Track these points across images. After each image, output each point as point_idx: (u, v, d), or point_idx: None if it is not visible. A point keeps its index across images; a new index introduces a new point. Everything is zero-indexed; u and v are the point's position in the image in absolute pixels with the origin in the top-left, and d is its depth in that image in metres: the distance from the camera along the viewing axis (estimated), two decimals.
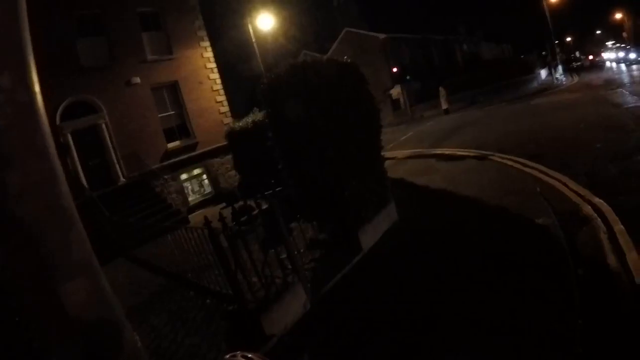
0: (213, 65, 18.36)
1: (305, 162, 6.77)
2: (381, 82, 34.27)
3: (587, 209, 6.34)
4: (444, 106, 28.39)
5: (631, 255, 4.73)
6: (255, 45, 20.68)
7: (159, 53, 16.91)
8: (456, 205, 7.85)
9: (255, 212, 5.31)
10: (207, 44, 18.40)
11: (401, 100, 30.52)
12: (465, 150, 12.57)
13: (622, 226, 5.50)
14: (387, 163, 8.77)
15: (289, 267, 5.38)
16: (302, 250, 6.60)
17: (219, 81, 18.44)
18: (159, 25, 17.20)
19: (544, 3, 40.75)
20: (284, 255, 5.41)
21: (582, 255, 5.03)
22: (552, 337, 3.67)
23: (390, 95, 31.79)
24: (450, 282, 5.05)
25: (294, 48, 41.46)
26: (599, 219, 5.92)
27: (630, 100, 16.62)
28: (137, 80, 15.89)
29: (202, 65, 18.05)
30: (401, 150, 15.16)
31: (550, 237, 5.59)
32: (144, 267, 9.75)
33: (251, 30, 20.84)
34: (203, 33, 18.40)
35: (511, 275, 4.80)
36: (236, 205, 5.80)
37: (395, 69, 38.21)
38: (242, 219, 5.06)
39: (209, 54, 18.34)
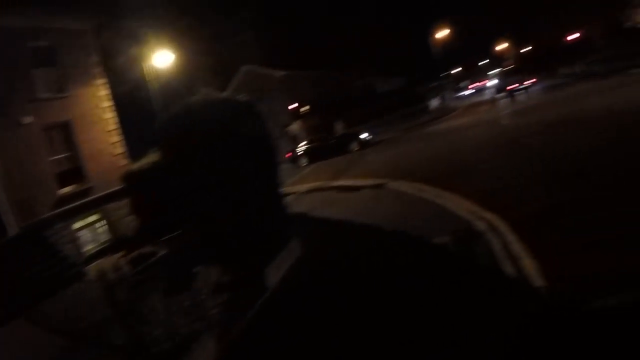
0: (109, 103, 17.63)
1: (205, 203, 6.69)
2: (280, 118, 34.72)
3: (481, 224, 6.95)
4: None
5: (525, 262, 5.27)
6: (150, 83, 20.16)
7: (53, 90, 15.93)
8: (358, 235, 8.15)
9: (156, 258, 5.18)
10: (103, 81, 17.64)
11: (300, 136, 31.03)
12: (365, 180, 13.07)
13: (514, 236, 6.12)
14: (288, 198, 8.91)
15: (195, 314, 5.24)
16: (207, 295, 6.47)
17: (114, 121, 17.70)
18: (53, 61, 16.26)
19: (432, 38, 43.76)
20: (188, 302, 5.27)
21: (479, 266, 5.52)
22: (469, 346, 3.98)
23: (290, 131, 32.25)
24: (355, 316, 5.14)
25: (193, 84, 40.87)
26: (492, 232, 6.52)
27: (513, 121, 18.35)
28: (29, 120, 14.84)
29: (97, 104, 17.25)
30: (302, 184, 15.39)
31: (449, 253, 6.07)
32: (43, 328, 8.99)
33: (145, 68, 20.31)
34: (99, 70, 17.66)
35: (415, 296, 5.08)
36: (136, 253, 5.62)
37: (294, 105, 38.89)
38: (142, 266, 4.91)
39: (105, 92, 17.60)
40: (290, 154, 26.97)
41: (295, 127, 31.53)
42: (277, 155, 7.91)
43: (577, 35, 44.53)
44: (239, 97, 7.59)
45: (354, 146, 24.75)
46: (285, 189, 8.40)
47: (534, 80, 36.87)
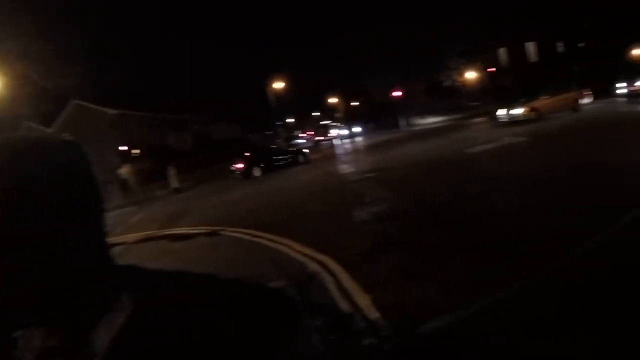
0: None
1: (20, 257, 5.84)
2: (110, 160, 32.68)
3: (314, 265, 7.15)
4: (175, 185, 28.40)
5: (360, 297, 5.51)
6: None
7: None
8: (192, 285, 7.72)
9: None
10: None
11: (131, 180, 29.39)
12: (197, 228, 12.67)
13: (347, 274, 6.39)
14: (117, 249, 8.22)
15: None
16: None
17: None
18: None
19: (268, 89, 45.09)
20: None
21: (316, 307, 5.54)
22: None
23: (119, 175, 30.34)
24: None
25: (15, 118, 36.58)
26: (325, 272, 6.71)
27: (343, 168, 19.71)
28: None
29: None
30: (132, 233, 14.43)
31: (285, 297, 6.02)
32: None
33: None
34: None
35: (254, 343, 4.88)
36: None
37: (125, 147, 37.00)
38: None
39: None
40: (243, 166, 26.77)
41: (125, 170, 29.80)
42: (102, 202, 7.27)
43: (399, 92, 49.30)
44: (62, 136, 6.87)
45: (301, 159, 28.62)
46: (112, 239, 7.75)
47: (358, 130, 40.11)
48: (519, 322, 4.20)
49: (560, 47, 50.38)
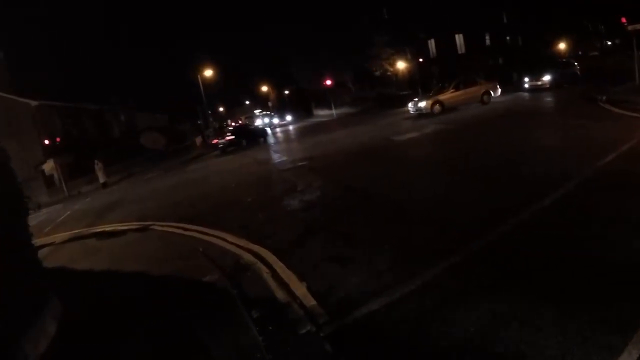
0: None
1: None
2: (32, 155, 30.87)
3: (248, 257, 7.19)
4: (102, 180, 27.28)
5: (297, 286, 5.64)
6: None
7: None
8: (124, 283, 7.52)
9: None
10: None
11: (55, 175, 27.89)
12: (127, 224, 12.30)
13: (282, 264, 6.50)
14: (43, 251, 7.88)
15: None
16: None
17: None
18: None
19: (199, 77, 43.97)
20: None
21: (253, 299, 5.60)
22: None
23: (42, 171, 28.67)
24: None
25: None
26: (259, 263, 6.78)
27: (275, 157, 19.70)
28: None
29: None
30: (59, 233, 13.77)
31: (220, 291, 5.99)
32: None
33: None
34: None
35: (187, 341, 4.85)
36: None
37: (47, 141, 35.11)
38: None
39: None
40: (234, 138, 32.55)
41: (49, 166, 28.27)
42: (24, 202, 6.89)
43: (330, 81, 49.53)
44: None
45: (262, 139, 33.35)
46: (38, 241, 7.37)
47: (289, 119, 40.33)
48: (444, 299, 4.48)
49: (487, 40, 52.71)
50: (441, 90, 27.09)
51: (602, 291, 4.19)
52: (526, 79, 29.83)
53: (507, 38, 55.03)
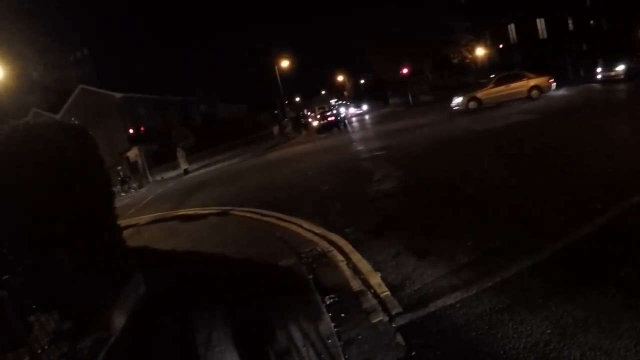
0: None
1: (31, 242, 5.88)
2: (117, 143, 32.76)
3: (324, 244, 7.22)
4: (184, 166, 28.49)
5: (371, 276, 5.60)
6: None
7: None
8: (204, 264, 7.83)
9: None
10: None
11: (139, 162, 29.46)
12: (207, 208, 12.78)
13: (358, 255, 6.43)
14: (128, 231, 8.32)
15: None
16: (46, 348, 5.61)
17: None
18: None
19: (276, 67, 44.69)
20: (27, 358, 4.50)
21: (327, 285, 5.62)
22: None
23: (127, 158, 30.42)
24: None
25: (22, 105, 36.83)
26: (336, 251, 6.78)
27: (357, 147, 19.63)
28: None
29: None
30: (142, 215, 14.58)
31: (295, 275, 6.07)
32: None
33: None
34: None
35: (263, 323, 4.93)
36: None
37: (132, 130, 37.05)
38: None
39: None
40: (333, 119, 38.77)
41: (133, 153, 29.88)
42: (111, 186, 7.32)
43: (407, 69, 48.70)
44: (70, 122, 6.87)
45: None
46: (124, 222, 7.83)
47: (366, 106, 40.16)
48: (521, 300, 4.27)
49: (570, 24, 49.64)
50: (484, 86, 25.47)
51: None
52: (599, 69, 26.96)
53: (591, 22, 51.41)
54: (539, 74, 24.80)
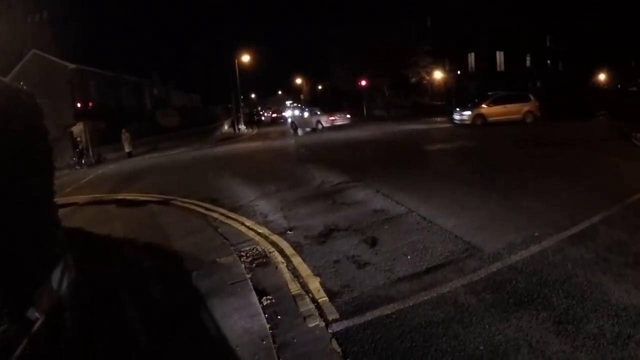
0: None
1: None
2: (63, 116, 31.45)
3: (266, 245, 7.24)
4: (127, 149, 27.69)
5: (310, 280, 5.67)
6: None
7: None
8: (139, 253, 7.54)
9: None
10: None
11: (83, 139, 28.23)
12: (148, 195, 12.43)
13: (299, 258, 6.51)
14: (64, 210, 7.94)
15: None
16: None
17: None
18: None
19: (236, 61, 43.99)
20: None
21: (265, 286, 5.61)
22: None
23: (71, 133, 29.04)
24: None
25: None
26: (277, 253, 6.82)
27: (301, 150, 19.73)
28: None
29: None
30: (80, 195, 13.99)
31: (235, 274, 5.95)
32: None
33: None
34: None
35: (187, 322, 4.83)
36: None
37: (79, 105, 35.70)
38: None
39: None
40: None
41: (77, 128, 28.64)
42: (52, 159, 6.92)
43: (365, 82, 49.31)
44: (17, 85, 6.41)
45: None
46: (61, 200, 7.45)
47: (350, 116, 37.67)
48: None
49: (528, 61, 51.85)
50: (479, 104, 26.52)
51: None
52: (456, 112, 28.36)
53: (548, 62, 54.05)
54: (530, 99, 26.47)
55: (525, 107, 25.55)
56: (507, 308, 4.46)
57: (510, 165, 12.48)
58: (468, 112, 26.23)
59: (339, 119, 35.10)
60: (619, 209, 7.45)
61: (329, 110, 38.14)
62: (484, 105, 26.11)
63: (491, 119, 25.31)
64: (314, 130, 33.33)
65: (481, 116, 25.53)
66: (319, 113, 35.97)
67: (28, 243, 5.50)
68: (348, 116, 37.03)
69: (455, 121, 27.21)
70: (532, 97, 26.33)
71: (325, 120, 34.22)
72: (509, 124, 24.30)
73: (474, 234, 6.76)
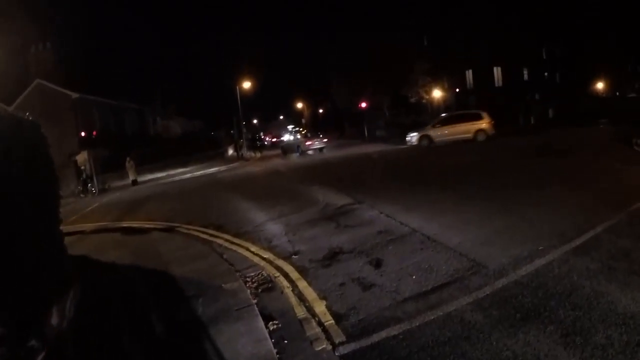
0: None
1: None
2: (68, 145, 31.62)
3: (271, 269, 7.22)
4: (132, 177, 27.85)
5: (316, 304, 5.64)
6: None
7: None
8: (145, 279, 7.57)
9: None
10: None
11: (87, 167, 28.34)
12: (153, 222, 12.49)
13: (305, 282, 6.48)
14: (70, 238, 7.98)
15: None
16: None
17: None
18: None
19: (238, 87, 44.41)
20: None
21: (272, 311, 5.59)
22: None
23: (75, 161, 29.18)
24: None
25: None
26: (282, 277, 6.80)
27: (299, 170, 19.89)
28: None
29: None
30: (86, 223, 14.07)
31: (240, 300, 5.94)
32: None
33: None
34: None
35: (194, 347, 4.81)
36: None
37: (83, 133, 35.98)
38: None
39: None
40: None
41: (82, 156, 28.73)
42: (57, 187, 7.01)
43: (366, 103, 49.62)
44: (21, 115, 6.51)
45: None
46: (65, 228, 7.51)
47: (327, 140, 39.81)
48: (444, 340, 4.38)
49: (525, 74, 52.25)
50: (432, 125, 27.67)
51: None
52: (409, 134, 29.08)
53: (545, 74, 54.50)
54: (485, 118, 26.99)
55: (475, 126, 26.22)
56: (514, 323, 4.45)
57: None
58: (415, 134, 27.48)
59: (316, 143, 37.11)
60: (623, 217, 7.49)
61: (308, 136, 42.10)
62: (429, 127, 27.52)
63: (438, 140, 26.46)
64: (301, 153, 35.64)
65: (427, 137, 26.73)
66: (298, 138, 39.56)
67: (32, 271, 5.53)
68: (325, 140, 38.92)
69: (407, 143, 28.17)
70: (484, 115, 26.77)
71: (304, 146, 36.77)
72: (456, 144, 25.31)
73: (478, 250, 6.78)
